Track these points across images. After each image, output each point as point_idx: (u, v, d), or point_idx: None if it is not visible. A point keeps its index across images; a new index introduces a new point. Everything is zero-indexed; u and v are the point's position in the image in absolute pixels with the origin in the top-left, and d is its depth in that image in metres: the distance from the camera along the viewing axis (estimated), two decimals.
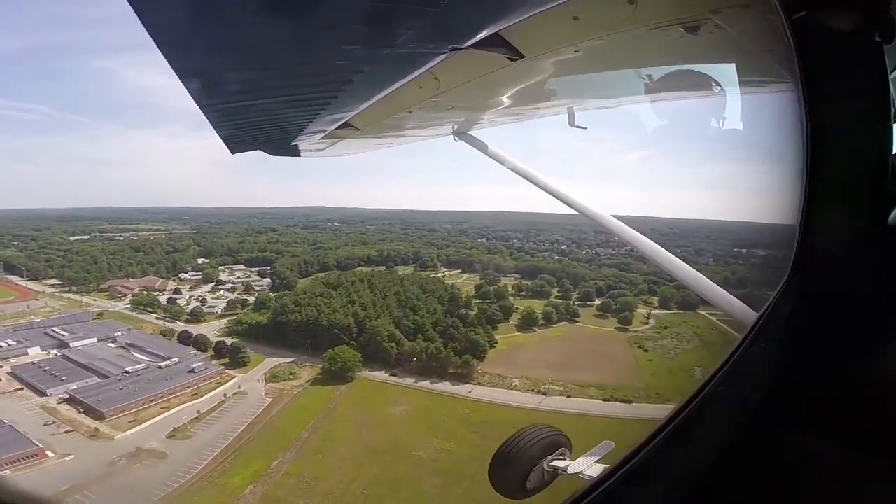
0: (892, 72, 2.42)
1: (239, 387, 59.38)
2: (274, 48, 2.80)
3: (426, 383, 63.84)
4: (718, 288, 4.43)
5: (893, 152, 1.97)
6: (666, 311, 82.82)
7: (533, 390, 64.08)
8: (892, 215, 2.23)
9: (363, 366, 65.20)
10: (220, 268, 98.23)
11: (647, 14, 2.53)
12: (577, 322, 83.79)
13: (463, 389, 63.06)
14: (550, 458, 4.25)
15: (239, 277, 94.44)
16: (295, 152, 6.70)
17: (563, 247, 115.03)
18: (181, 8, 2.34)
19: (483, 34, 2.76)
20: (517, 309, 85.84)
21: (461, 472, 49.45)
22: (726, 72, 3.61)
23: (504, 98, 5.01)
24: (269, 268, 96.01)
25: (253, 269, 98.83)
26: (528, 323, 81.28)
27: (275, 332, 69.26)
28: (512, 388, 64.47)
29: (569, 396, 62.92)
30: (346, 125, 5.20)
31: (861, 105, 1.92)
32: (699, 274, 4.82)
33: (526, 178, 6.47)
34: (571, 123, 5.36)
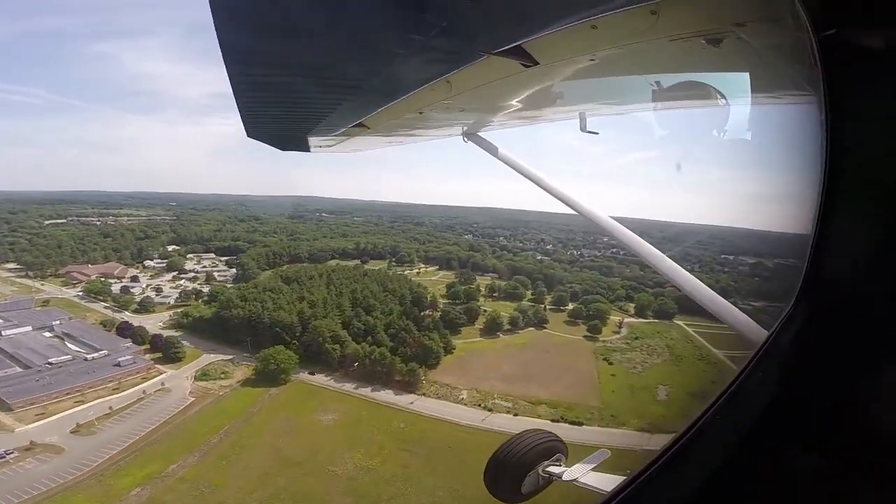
0: None
1: (163, 384, 56.89)
2: (300, 45, 3.01)
3: (367, 390, 59.97)
4: (727, 303, 4.19)
5: None
6: (641, 320, 77.38)
7: (480, 405, 59.36)
8: None
9: (303, 367, 61.84)
10: (189, 256, 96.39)
11: (669, 25, 2.44)
12: (544, 328, 78.43)
13: (405, 400, 58.90)
14: (546, 463, 4.27)
15: (205, 267, 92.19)
16: (305, 147, 6.70)
17: (549, 246, 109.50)
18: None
19: (505, 46, 2.73)
20: (485, 311, 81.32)
21: (376, 494, 45.53)
22: (745, 85, 3.42)
23: (516, 102, 4.93)
24: (237, 258, 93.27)
25: (222, 259, 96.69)
26: (492, 328, 76.42)
27: (218, 327, 66.48)
28: (458, 402, 59.90)
29: (515, 415, 57.96)
30: (357, 124, 5.22)
31: (885, 127, 1.84)
32: (708, 288, 4.52)
33: (536, 182, 6.14)
34: (583, 129, 5.19)
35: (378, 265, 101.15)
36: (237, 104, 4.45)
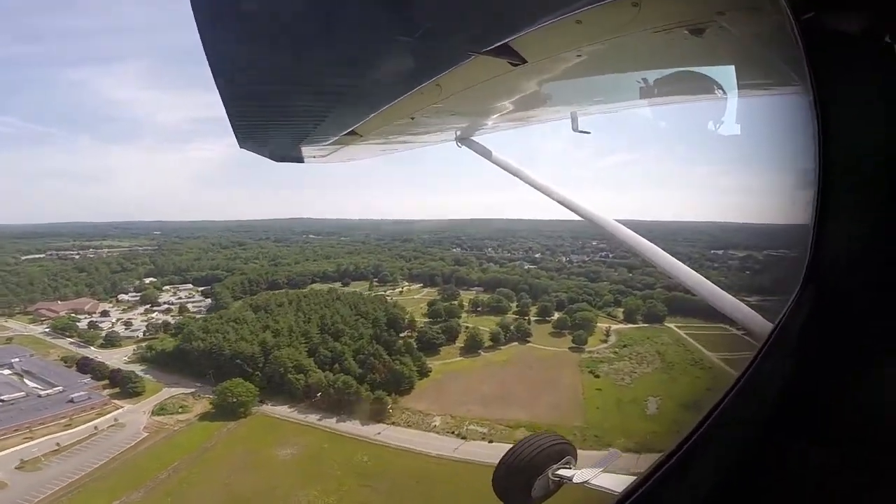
0: None
1: (116, 419, 55.13)
2: (288, 53, 3.02)
3: (332, 421, 57.11)
4: (732, 297, 4.18)
5: None
6: (630, 325, 73.94)
7: (453, 432, 55.97)
8: None
9: (266, 399, 59.41)
10: (166, 288, 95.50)
11: (651, 16, 2.49)
12: (528, 342, 75.00)
13: (372, 430, 55.82)
14: (556, 466, 4.27)
15: (180, 298, 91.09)
16: (299, 158, 6.69)
17: (537, 254, 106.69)
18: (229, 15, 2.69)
19: (492, 46, 2.76)
20: (468, 328, 78.37)
21: None
22: (732, 74, 3.50)
23: (507, 103, 4.98)
24: (211, 288, 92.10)
25: (199, 289, 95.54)
26: (473, 346, 73.32)
27: (180, 360, 64.60)
28: (430, 430, 56.55)
29: (490, 442, 54.43)
30: (350, 132, 5.25)
31: (872, 107, 1.93)
32: (711, 283, 4.51)
33: (531, 185, 6.15)
34: (575, 128, 5.26)
35: (360, 286, 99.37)
36: (228, 115, 4.29)
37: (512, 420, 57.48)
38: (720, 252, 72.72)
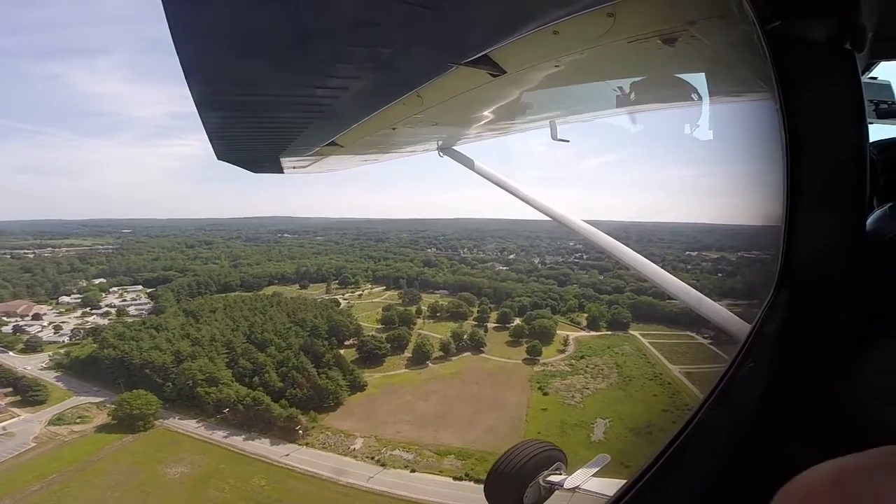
0: (862, 74, 2.70)
1: (4, 428, 52.16)
2: (267, 64, 3.02)
3: (239, 439, 52.80)
4: (708, 299, 4.40)
5: (868, 156, 2.17)
6: (592, 333, 68.76)
7: (374, 458, 50.93)
8: (870, 219, 2.40)
9: (176, 412, 55.56)
10: (114, 289, 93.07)
11: (626, 27, 2.60)
12: (481, 352, 69.52)
13: (280, 451, 51.30)
14: (546, 472, 4.46)
15: (127, 301, 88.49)
16: (278, 169, 6.68)
17: (511, 256, 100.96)
18: (201, 14, 2.58)
19: (472, 57, 2.86)
20: (420, 335, 73.36)
21: None
22: (704, 81, 3.68)
23: (487, 113, 5.14)
24: (156, 290, 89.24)
25: (149, 291, 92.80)
26: (420, 357, 68.19)
27: (93, 367, 61.33)
28: (348, 453, 51.67)
29: (413, 471, 49.24)
30: (330, 143, 5.32)
31: (833, 111, 2.06)
32: (688, 286, 4.73)
33: (512, 192, 6.40)
34: (554, 137, 5.42)
35: (318, 289, 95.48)
36: (204, 127, 4.28)
37: (443, 446, 52.20)
38: (695, 254, 67.35)
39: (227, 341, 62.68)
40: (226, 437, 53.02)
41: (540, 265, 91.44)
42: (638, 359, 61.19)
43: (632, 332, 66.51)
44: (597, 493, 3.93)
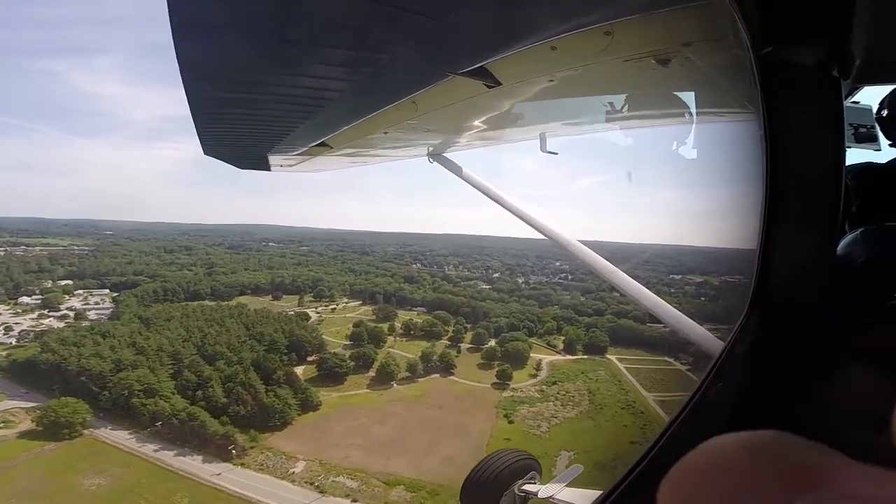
0: (847, 98, 3.01)
1: None
2: (263, 61, 3.08)
3: (170, 454, 49.60)
4: (687, 318, 4.53)
5: (844, 183, 2.24)
6: (568, 357, 65.88)
7: (313, 483, 47.52)
8: (842, 243, 2.46)
9: (110, 422, 52.67)
10: (79, 292, 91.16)
11: (622, 45, 2.67)
12: (451, 375, 66.12)
13: (213, 469, 47.99)
14: (521, 482, 4.65)
15: (89, 304, 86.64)
16: (265, 166, 6.69)
17: (496, 274, 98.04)
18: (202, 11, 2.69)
19: (469, 67, 2.92)
20: (389, 354, 70.31)
21: None
22: (695, 103, 3.81)
23: (480, 123, 5.21)
24: (119, 294, 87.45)
25: (116, 294, 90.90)
26: (385, 377, 64.96)
27: (32, 371, 58.73)
28: (286, 477, 48.29)
29: (354, 501, 45.66)
30: (320, 143, 5.37)
31: (815, 137, 2.13)
32: (669, 305, 4.91)
33: (498, 202, 6.55)
34: (543, 149, 5.50)
35: (291, 301, 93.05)
36: (193, 119, 4.26)
37: (392, 474, 48.67)
38: (677, 276, 65.07)
39: (175, 352, 59.92)
40: (156, 450, 50.00)
41: (524, 285, 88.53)
42: (611, 385, 58.03)
43: (609, 356, 63.87)
44: (570, 503, 4.01)
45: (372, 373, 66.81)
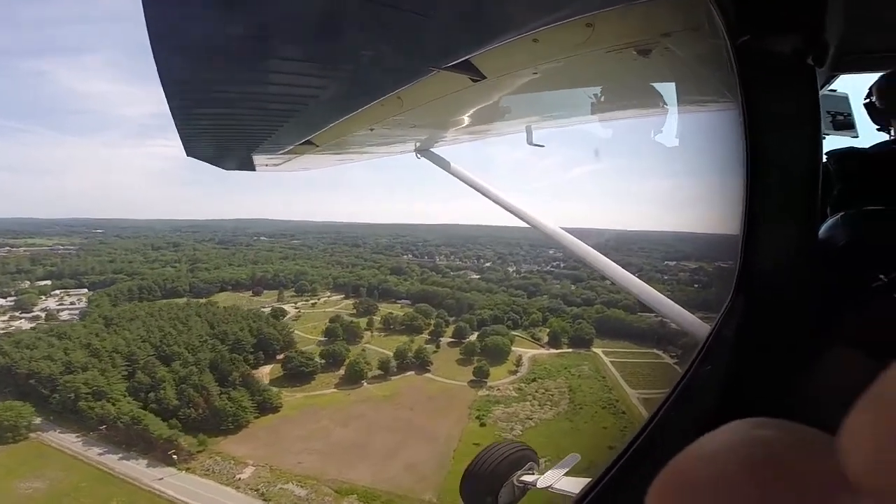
0: (821, 89, 3.18)
1: None
2: (243, 59, 3.09)
3: (115, 457, 48.50)
4: (675, 304, 4.62)
5: (822, 168, 2.35)
6: (552, 351, 62.92)
7: (258, 490, 45.52)
8: (823, 227, 2.55)
9: (60, 426, 52.06)
10: (56, 292, 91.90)
11: (603, 37, 2.75)
12: (427, 372, 63.22)
13: (154, 474, 46.63)
14: (519, 473, 4.73)
15: (64, 304, 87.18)
16: (250, 166, 6.84)
17: (487, 263, 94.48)
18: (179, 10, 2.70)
19: (454, 61, 2.99)
20: (365, 349, 68.03)
21: None
22: (675, 92, 3.91)
23: (466, 117, 5.38)
24: (93, 293, 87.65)
25: (93, 293, 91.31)
26: (354, 376, 62.50)
27: None
28: (231, 483, 46.49)
29: None
30: (305, 141, 5.46)
31: (793, 124, 2.23)
32: (656, 291, 4.99)
33: (487, 196, 6.76)
34: (529, 142, 5.69)
35: (271, 296, 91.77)
36: (174, 120, 4.28)
37: (346, 482, 46.26)
38: (666, 262, 61.75)
39: (130, 353, 58.73)
40: (101, 454, 48.97)
41: (514, 274, 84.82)
42: (594, 382, 54.29)
43: (595, 349, 60.57)
44: (568, 492, 4.13)
45: (342, 371, 64.50)
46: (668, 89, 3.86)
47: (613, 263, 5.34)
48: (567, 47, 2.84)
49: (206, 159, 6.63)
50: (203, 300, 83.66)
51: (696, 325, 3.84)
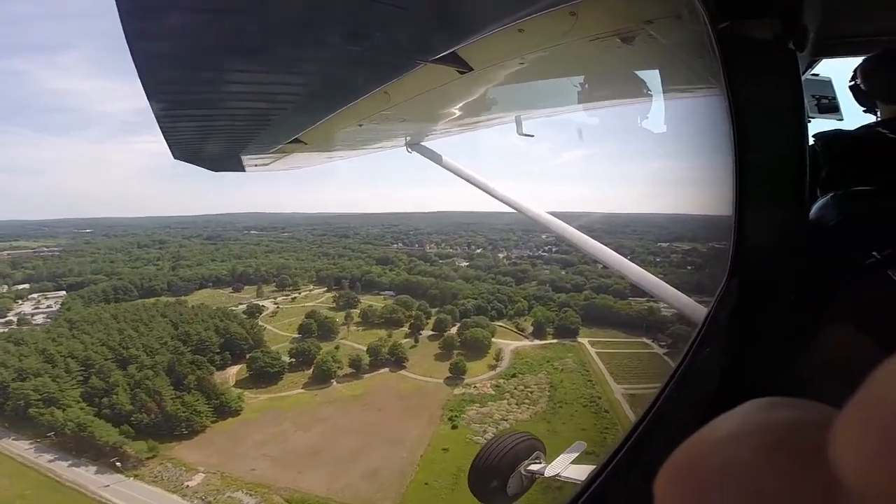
0: (803, 73, 3.20)
1: None
2: (224, 57, 3.12)
3: (64, 464, 47.92)
4: (670, 287, 4.66)
5: (808, 150, 2.46)
6: (536, 342, 60.56)
7: (204, 498, 44.13)
8: (813, 208, 2.65)
9: (14, 433, 51.99)
10: (33, 296, 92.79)
11: (587, 26, 2.83)
12: (402, 369, 60.90)
13: (101, 481, 45.83)
14: (527, 462, 4.86)
15: (40, 308, 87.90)
16: (239, 167, 7.00)
17: (478, 250, 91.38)
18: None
19: (440, 54, 3.07)
20: (339, 346, 66.24)
21: None
22: (660, 78, 4.07)
23: (454, 109, 5.50)
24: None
25: (69, 295, 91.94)
26: (323, 375, 60.61)
27: None
28: (178, 490, 45.25)
29: None
30: (294, 140, 5.57)
31: (777, 107, 2.33)
32: (651, 275, 5.06)
33: (480, 187, 6.92)
34: (519, 132, 5.88)
35: (251, 291, 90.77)
36: (158, 122, 4.21)
37: (300, 492, 44.33)
38: (661, 244, 58.77)
39: (86, 357, 57.97)
40: (51, 461, 48.45)
41: (505, 260, 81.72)
42: (578, 376, 50.91)
43: (580, 338, 57.91)
44: (576, 479, 4.23)
45: (312, 370, 62.67)
46: (652, 76, 3.98)
47: (606, 247, 5.43)
48: (552, 36, 2.91)
49: (193, 161, 6.61)
50: (172, 299, 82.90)
51: (692, 307, 3.89)
